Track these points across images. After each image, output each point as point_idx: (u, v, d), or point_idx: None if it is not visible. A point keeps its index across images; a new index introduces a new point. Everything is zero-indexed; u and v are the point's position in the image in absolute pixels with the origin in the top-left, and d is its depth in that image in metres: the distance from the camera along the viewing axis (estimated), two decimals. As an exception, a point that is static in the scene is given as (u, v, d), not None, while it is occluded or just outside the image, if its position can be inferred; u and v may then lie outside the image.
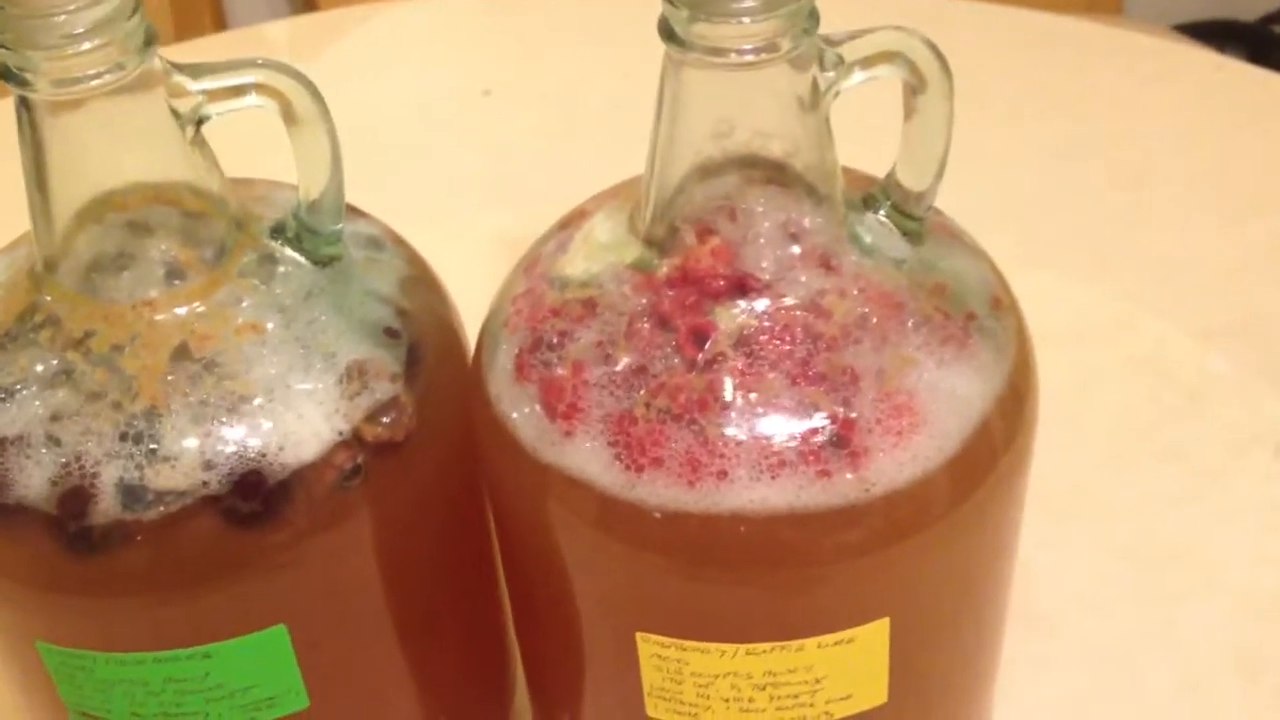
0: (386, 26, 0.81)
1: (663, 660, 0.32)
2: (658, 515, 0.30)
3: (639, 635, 0.32)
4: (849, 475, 0.30)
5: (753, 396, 0.30)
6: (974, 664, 0.36)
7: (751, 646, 0.32)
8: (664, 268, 0.32)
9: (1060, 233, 0.62)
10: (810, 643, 0.32)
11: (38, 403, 0.31)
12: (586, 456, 0.31)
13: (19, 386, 0.31)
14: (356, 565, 0.33)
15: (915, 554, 0.32)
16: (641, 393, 0.31)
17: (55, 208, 0.31)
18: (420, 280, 0.36)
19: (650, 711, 0.34)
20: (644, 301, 0.32)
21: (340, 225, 0.34)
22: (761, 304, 0.31)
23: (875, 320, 0.31)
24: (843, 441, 0.30)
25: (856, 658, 0.32)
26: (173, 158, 0.31)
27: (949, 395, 0.31)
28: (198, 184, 0.32)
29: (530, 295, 0.34)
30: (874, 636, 0.32)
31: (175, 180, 0.32)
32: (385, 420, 0.33)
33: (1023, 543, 0.37)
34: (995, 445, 0.32)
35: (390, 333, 0.34)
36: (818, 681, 0.32)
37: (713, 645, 0.32)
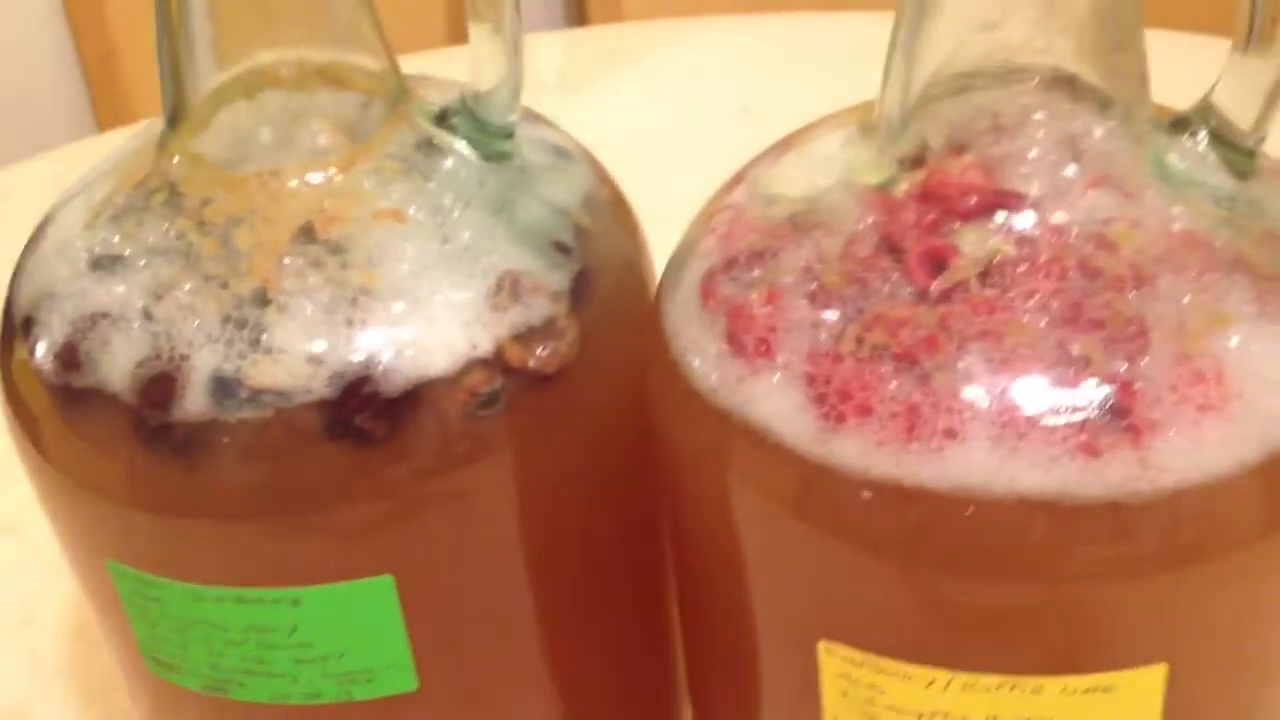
0: (654, 44, 0.79)
1: (851, 683, 0.25)
2: (858, 482, 0.23)
3: (823, 645, 0.25)
4: (1128, 456, 0.22)
5: (1001, 340, 0.23)
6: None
7: (971, 679, 0.24)
8: (902, 182, 0.25)
9: None
10: (1052, 684, 0.24)
11: (141, 274, 0.26)
12: (774, 400, 0.24)
13: (126, 253, 0.27)
14: (487, 518, 0.27)
15: (1216, 581, 0.23)
16: (852, 325, 0.24)
17: (194, 65, 0.27)
18: (610, 203, 0.30)
19: (832, 754, 0.26)
20: (870, 220, 0.25)
21: (514, 117, 0.28)
22: (1024, 223, 0.24)
23: (1178, 261, 0.24)
24: (1122, 410, 0.22)
25: (1116, 713, 0.24)
26: (327, 20, 0.27)
27: (1276, 368, 0.23)
28: (354, 52, 0.27)
29: (732, 211, 0.27)
30: (1144, 687, 0.24)
31: (328, 47, 0.27)
32: (539, 346, 0.27)
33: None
34: (1340, 449, 0.24)
35: (560, 247, 0.28)
36: (1058, 741, 0.24)
37: (918, 670, 0.24)
